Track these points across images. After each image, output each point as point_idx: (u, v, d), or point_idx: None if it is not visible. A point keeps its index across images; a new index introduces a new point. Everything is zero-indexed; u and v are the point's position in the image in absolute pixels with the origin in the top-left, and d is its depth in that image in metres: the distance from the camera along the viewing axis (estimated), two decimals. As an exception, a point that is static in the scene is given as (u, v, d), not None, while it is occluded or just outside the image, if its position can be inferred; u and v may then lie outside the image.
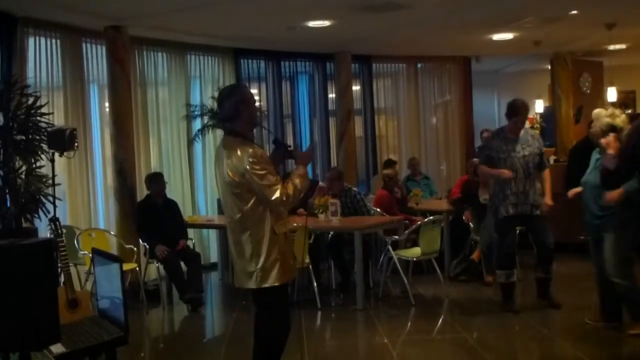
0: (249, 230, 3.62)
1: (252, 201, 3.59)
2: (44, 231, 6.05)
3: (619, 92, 12.45)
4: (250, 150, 3.56)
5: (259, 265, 3.62)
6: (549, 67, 11.42)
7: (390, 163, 9.35)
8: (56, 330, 2.71)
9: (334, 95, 10.27)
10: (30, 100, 6.12)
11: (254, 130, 4.07)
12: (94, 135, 7.70)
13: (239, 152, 3.57)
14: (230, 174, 3.60)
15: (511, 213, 5.78)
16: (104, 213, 7.79)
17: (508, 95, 13.30)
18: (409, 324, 6.07)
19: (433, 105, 11.60)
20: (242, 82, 9.03)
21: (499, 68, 12.71)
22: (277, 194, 3.54)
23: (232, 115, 3.68)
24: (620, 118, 4.88)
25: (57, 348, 3.20)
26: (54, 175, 5.65)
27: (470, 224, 7.52)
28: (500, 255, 6.00)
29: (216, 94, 8.34)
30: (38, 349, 2.88)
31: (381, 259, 6.98)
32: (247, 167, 3.52)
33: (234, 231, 3.70)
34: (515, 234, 6.08)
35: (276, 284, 3.64)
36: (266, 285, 3.64)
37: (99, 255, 3.82)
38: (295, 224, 6.20)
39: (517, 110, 5.81)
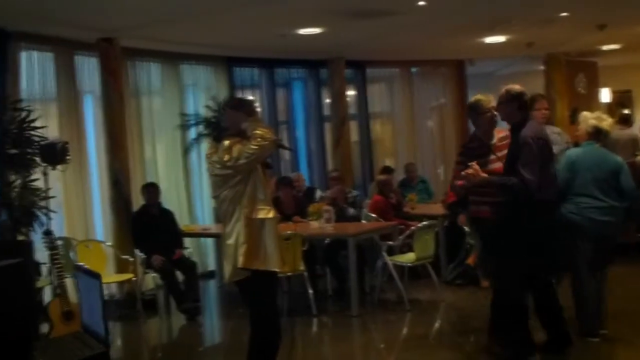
0: (232, 218, 3.80)
1: (233, 183, 3.78)
2: (40, 243, 6.06)
3: (615, 92, 12.51)
4: (225, 142, 3.79)
5: (236, 249, 3.75)
6: (543, 69, 11.44)
7: (388, 170, 9.31)
8: (29, 348, 2.71)
9: (328, 100, 10.30)
10: (23, 114, 6.15)
11: None
12: (89, 146, 7.71)
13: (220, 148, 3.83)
14: (216, 170, 3.85)
15: None
16: (101, 224, 7.80)
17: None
18: (405, 329, 6.08)
19: (428, 109, 11.61)
20: (236, 90, 9.09)
21: (493, 70, 12.70)
22: (248, 153, 3.72)
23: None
24: (607, 122, 4.92)
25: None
26: (47, 189, 5.68)
27: (466, 228, 7.51)
28: None
29: (210, 103, 8.50)
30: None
31: (377, 264, 6.99)
32: (225, 158, 3.75)
33: (225, 224, 3.87)
34: None
35: (239, 267, 3.73)
36: (237, 265, 3.75)
37: (80, 270, 3.82)
38: (289, 232, 6.24)
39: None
